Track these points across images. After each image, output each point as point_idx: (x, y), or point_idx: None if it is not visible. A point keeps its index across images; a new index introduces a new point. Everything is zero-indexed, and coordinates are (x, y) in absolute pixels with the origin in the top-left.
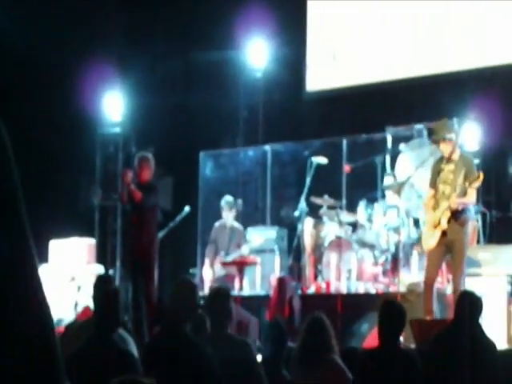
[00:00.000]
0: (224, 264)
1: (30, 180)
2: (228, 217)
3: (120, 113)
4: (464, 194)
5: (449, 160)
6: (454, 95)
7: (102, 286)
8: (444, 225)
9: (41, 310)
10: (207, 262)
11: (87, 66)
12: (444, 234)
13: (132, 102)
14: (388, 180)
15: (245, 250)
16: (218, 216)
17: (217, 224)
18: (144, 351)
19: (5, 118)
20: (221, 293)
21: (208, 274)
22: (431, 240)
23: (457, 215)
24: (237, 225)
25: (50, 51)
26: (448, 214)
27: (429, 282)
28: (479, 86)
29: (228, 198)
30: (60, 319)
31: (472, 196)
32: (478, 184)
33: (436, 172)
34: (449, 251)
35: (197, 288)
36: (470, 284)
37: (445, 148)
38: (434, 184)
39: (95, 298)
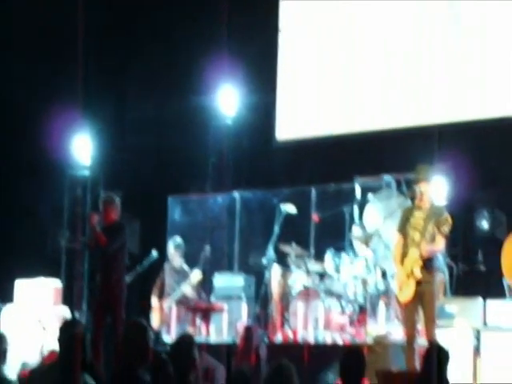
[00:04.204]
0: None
1: None
2: (175, 258)
3: (89, 155)
4: (433, 240)
5: (420, 207)
6: (422, 148)
7: (68, 329)
8: (418, 274)
9: None
10: (154, 303)
11: (55, 108)
12: (418, 283)
13: (101, 144)
14: (356, 230)
15: (186, 288)
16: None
17: (166, 266)
18: None
19: None
20: (185, 340)
21: (156, 316)
22: (407, 291)
23: (427, 264)
24: (185, 267)
25: (17, 93)
26: (420, 262)
27: (410, 340)
28: (447, 140)
29: (177, 239)
30: (25, 363)
31: (440, 243)
32: (447, 228)
33: (405, 218)
34: (420, 302)
35: (148, 329)
36: (436, 337)
37: (425, 190)
38: (402, 229)
39: (60, 341)
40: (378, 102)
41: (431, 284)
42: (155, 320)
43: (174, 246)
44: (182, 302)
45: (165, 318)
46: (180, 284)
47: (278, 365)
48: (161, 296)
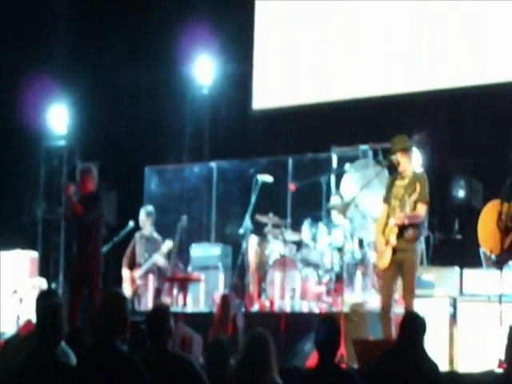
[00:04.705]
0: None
1: None
2: (146, 226)
3: (65, 126)
4: (412, 209)
5: (402, 176)
6: (399, 117)
7: (45, 299)
8: (393, 242)
9: None
10: (125, 274)
11: (32, 79)
12: (394, 251)
13: (77, 115)
14: (334, 200)
15: (157, 258)
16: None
17: (137, 234)
18: (76, 367)
19: None
20: (161, 310)
21: (127, 286)
22: (384, 259)
23: (403, 231)
24: (156, 235)
25: None
26: (396, 230)
27: (385, 308)
28: (424, 109)
29: (149, 207)
30: (0, 333)
31: (420, 211)
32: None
33: (389, 187)
34: (399, 271)
35: (126, 300)
36: (413, 306)
37: (402, 159)
38: (386, 200)
39: (38, 311)
40: (354, 72)
41: (410, 253)
42: (126, 290)
43: (145, 213)
44: (155, 271)
45: (136, 288)
46: (150, 252)
47: (254, 334)
48: (131, 266)
